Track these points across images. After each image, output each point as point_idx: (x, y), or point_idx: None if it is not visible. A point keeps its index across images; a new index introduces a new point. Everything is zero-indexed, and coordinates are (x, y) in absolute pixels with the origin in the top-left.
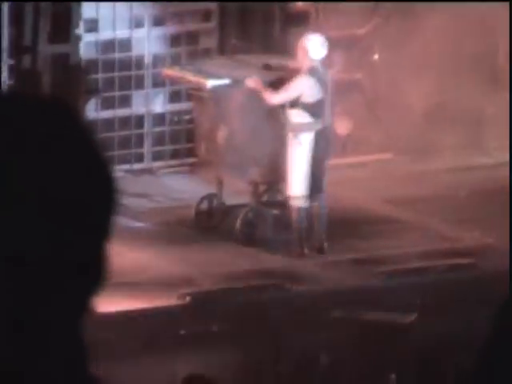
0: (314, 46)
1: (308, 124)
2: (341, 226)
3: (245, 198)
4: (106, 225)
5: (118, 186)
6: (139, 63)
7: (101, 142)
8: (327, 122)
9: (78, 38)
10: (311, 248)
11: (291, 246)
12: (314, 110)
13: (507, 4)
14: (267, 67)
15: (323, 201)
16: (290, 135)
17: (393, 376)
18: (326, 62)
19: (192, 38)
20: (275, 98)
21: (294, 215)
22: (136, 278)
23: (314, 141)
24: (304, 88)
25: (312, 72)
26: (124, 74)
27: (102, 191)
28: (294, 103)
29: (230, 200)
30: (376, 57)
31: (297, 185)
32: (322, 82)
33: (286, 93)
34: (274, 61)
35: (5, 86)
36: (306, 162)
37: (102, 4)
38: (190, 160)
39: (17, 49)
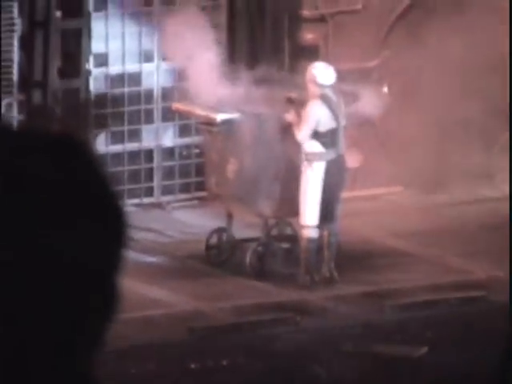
0: (320, 73)
1: (320, 154)
2: (350, 259)
3: (255, 232)
4: (117, 259)
5: (128, 220)
6: (148, 97)
7: (111, 177)
8: (342, 151)
9: (88, 73)
10: (321, 278)
11: (301, 278)
12: (325, 139)
13: None
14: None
15: (335, 229)
16: (305, 164)
17: None
18: (338, 91)
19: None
20: (300, 135)
21: (304, 245)
22: (146, 312)
23: (327, 170)
24: (317, 115)
25: (323, 99)
26: (133, 108)
27: (112, 225)
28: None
29: (239, 234)
30: (386, 89)
31: (309, 215)
32: (334, 110)
33: (305, 124)
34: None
35: (15, 121)
36: (318, 192)
37: (111, 38)
38: (200, 194)
39: (27, 84)
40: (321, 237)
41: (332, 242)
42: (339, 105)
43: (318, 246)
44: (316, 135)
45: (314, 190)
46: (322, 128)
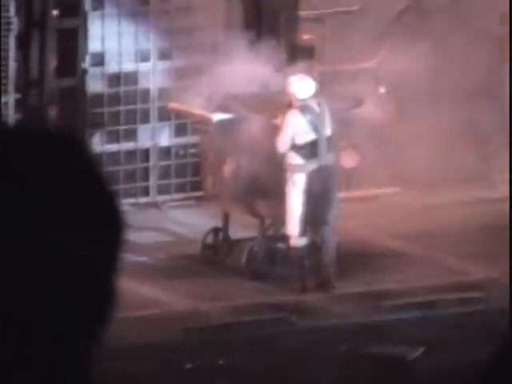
0: (298, 88)
1: (300, 165)
2: (347, 260)
3: (251, 232)
4: (113, 258)
5: (124, 219)
6: (145, 97)
7: (107, 175)
8: (326, 161)
9: (85, 72)
10: (319, 282)
11: (296, 279)
12: (305, 151)
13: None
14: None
15: (328, 235)
16: (288, 174)
17: None
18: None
19: (198, 71)
20: (280, 146)
21: (293, 253)
22: (142, 311)
23: (309, 181)
24: (294, 126)
25: (303, 111)
26: (130, 107)
27: (108, 224)
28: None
29: (235, 234)
30: (383, 90)
31: (291, 225)
32: (315, 122)
33: (283, 134)
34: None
35: (12, 120)
36: (300, 203)
37: (108, 38)
38: (196, 194)
39: (23, 83)
40: (315, 243)
41: (327, 248)
42: (322, 114)
43: (314, 251)
44: (295, 148)
45: (295, 202)
46: (300, 140)
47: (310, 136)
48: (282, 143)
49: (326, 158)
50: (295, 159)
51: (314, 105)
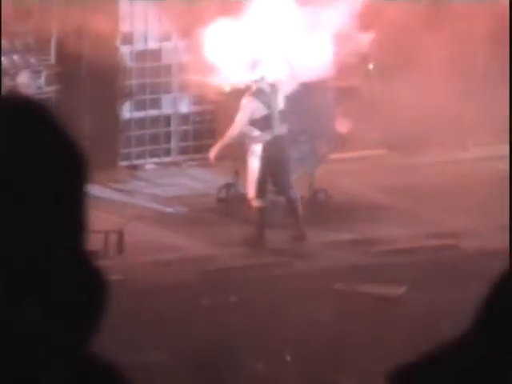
0: (253, 68)
1: (257, 137)
2: (340, 212)
3: None
4: (78, 192)
5: (82, 154)
6: (167, 71)
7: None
8: (279, 132)
9: (116, 49)
10: (294, 236)
11: (255, 241)
12: (260, 124)
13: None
14: None
15: (292, 197)
16: (247, 146)
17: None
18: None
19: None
20: (236, 130)
21: (253, 213)
22: (166, 255)
23: (265, 150)
24: (250, 111)
25: (257, 94)
26: (154, 80)
27: (67, 159)
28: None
29: (244, 189)
30: (371, 66)
31: (250, 188)
32: (267, 100)
33: (240, 121)
34: None
35: (52, 90)
36: (257, 170)
37: (135, 20)
38: None
39: (64, 58)
40: (280, 203)
41: (296, 207)
42: (274, 94)
43: (283, 211)
44: (251, 122)
45: (253, 169)
46: (256, 116)
47: (264, 112)
48: (238, 127)
49: (279, 128)
50: (253, 131)
51: (265, 87)
